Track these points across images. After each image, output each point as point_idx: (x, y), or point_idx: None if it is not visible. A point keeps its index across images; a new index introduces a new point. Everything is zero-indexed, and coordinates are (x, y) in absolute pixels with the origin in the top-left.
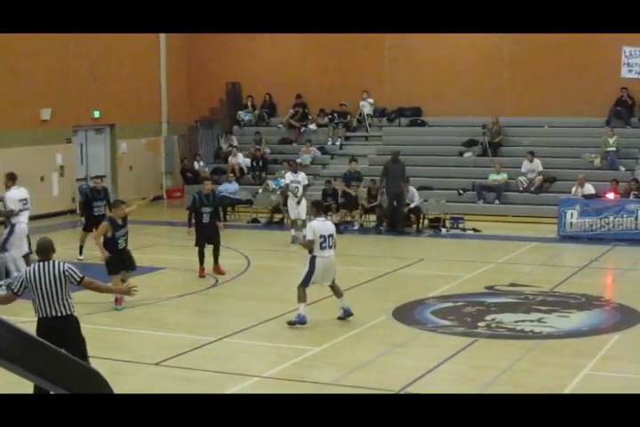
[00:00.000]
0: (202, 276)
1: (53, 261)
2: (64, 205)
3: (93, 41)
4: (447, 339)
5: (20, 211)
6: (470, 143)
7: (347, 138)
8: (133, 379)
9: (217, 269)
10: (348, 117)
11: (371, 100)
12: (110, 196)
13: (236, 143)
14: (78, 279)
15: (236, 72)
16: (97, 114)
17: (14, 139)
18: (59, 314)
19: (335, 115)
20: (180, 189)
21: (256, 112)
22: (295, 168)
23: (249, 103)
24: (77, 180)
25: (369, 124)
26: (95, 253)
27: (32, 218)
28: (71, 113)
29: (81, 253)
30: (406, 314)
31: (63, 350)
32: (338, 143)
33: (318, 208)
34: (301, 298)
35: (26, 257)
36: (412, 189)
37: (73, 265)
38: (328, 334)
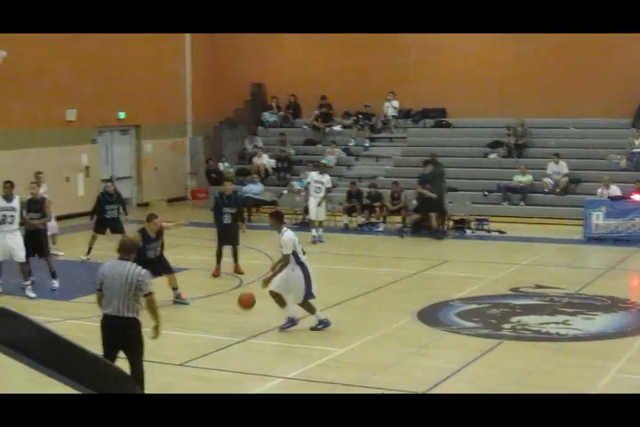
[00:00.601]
0: (216, 275)
1: (131, 263)
2: (89, 205)
3: (119, 42)
4: (472, 341)
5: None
6: (495, 144)
7: (371, 139)
8: (157, 379)
9: (237, 269)
10: (373, 119)
11: (396, 102)
12: (123, 198)
13: (260, 144)
14: (147, 291)
15: (260, 73)
16: (122, 115)
17: (40, 139)
18: (118, 314)
19: (360, 116)
20: (205, 189)
21: (281, 113)
22: (322, 169)
23: (273, 104)
24: (102, 180)
25: (393, 126)
26: (107, 253)
27: (57, 218)
28: (96, 114)
29: (89, 253)
30: (431, 316)
31: (92, 350)
32: (364, 144)
33: (280, 219)
34: (312, 309)
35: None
36: None
37: (146, 274)
38: (352, 335)
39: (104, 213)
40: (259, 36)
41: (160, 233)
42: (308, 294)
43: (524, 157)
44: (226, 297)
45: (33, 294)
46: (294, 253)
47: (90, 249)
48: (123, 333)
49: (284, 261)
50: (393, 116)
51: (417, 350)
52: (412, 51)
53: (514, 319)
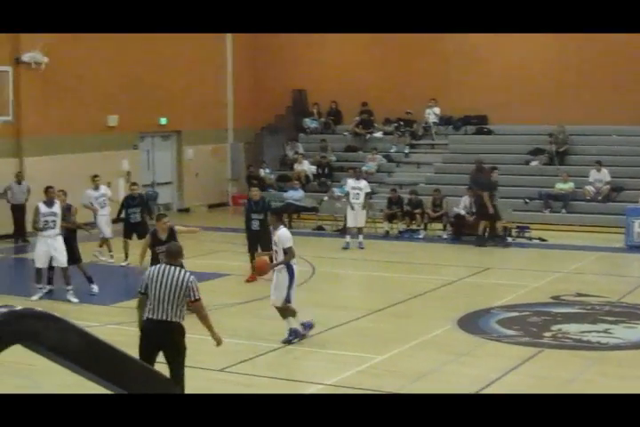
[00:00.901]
0: (249, 281)
1: (180, 269)
2: None
3: (160, 48)
4: (512, 349)
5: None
6: (536, 152)
7: (412, 146)
8: (196, 384)
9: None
10: (414, 125)
11: (437, 109)
12: (148, 202)
13: (301, 150)
14: (196, 297)
15: (302, 79)
16: (163, 120)
17: (82, 144)
18: (166, 318)
19: (401, 123)
20: (246, 195)
21: (322, 119)
22: (358, 175)
23: (315, 110)
24: (144, 186)
25: (435, 133)
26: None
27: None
28: (138, 119)
29: (126, 258)
30: (471, 323)
31: (132, 355)
32: (404, 151)
33: (279, 217)
34: (293, 312)
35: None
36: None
37: (194, 279)
38: (392, 342)
39: (127, 216)
40: (300, 41)
41: (172, 235)
42: (288, 298)
43: (566, 165)
44: (265, 303)
45: (75, 299)
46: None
47: (126, 255)
48: (167, 337)
49: (291, 254)
50: (434, 123)
51: (456, 358)
52: (454, 58)
53: (554, 328)
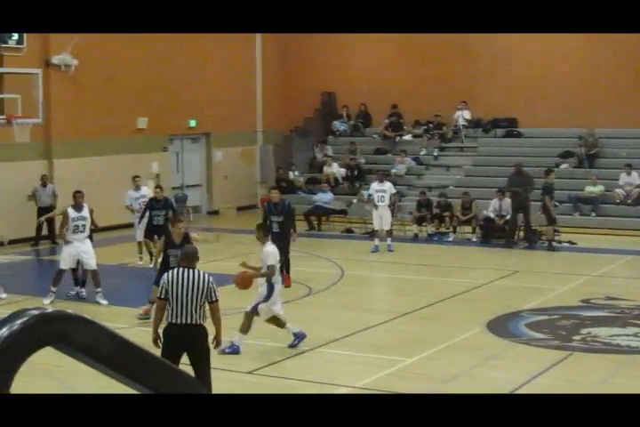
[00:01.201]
0: (286, 286)
1: (198, 270)
2: None
3: (189, 50)
4: (541, 352)
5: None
6: (566, 155)
7: (442, 149)
8: (224, 386)
9: (286, 280)
10: (444, 128)
11: (467, 113)
12: (173, 205)
13: (330, 153)
14: (214, 298)
15: (331, 82)
16: (193, 123)
17: (111, 147)
18: (191, 322)
19: (430, 125)
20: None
21: (351, 122)
22: (382, 178)
23: (344, 113)
24: (173, 188)
25: (464, 135)
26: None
27: (130, 225)
28: (167, 122)
29: (152, 259)
30: (500, 326)
31: (160, 357)
32: (434, 154)
33: (266, 232)
34: (246, 327)
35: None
36: (508, 200)
37: (214, 280)
38: (421, 344)
39: (151, 219)
40: (330, 44)
41: (186, 240)
42: (254, 308)
43: (596, 168)
44: (295, 306)
45: (104, 301)
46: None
47: (152, 256)
48: (193, 340)
49: (271, 272)
50: (463, 126)
51: (485, 361)
52: (483, 60)
53: (584, 331)
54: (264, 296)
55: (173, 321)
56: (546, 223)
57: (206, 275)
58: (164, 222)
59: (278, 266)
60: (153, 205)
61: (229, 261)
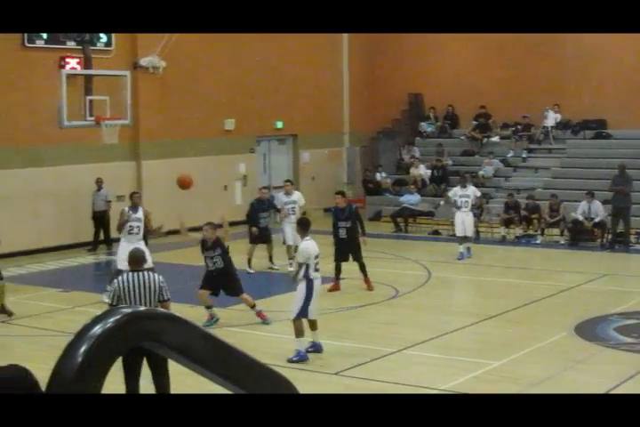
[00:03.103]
0: (332, 290)
1: (147, 272)
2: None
3: (275, 51)
4: (630, 357)
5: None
6: None
7: (530, 150)
8: (308, 387)
9: (366, 283)
10: (532, 129)
11: (557, 116)
12: (274, 203)
13: (417, 154)
14: (166, 297)
15: (418, 83)
16: (280, 124)
17: (199, 148)
18: None
19: (518, 127)
20: (361, 199)
21: (438, 123)
22: (464, 182)
23: (431, 114)
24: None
25: (553, 137)
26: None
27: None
28: (254, 123)
29: (250, 266)
30: (588, 330)
31: (251, 355)
32: (522, 156)
33: (305, 227)
34: (300, 332)
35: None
36: (597, 203)
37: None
38: (508, 348)
39: (257, 221)
40: (417, 45)
41: (216, 242)
42: (303, 312)
43: None
44: (381, 308)
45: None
46: (306, 267)
47: (249, 261)
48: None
49: (296, 270)
50: (552, 127)
51: (573, 365)
52: (571, 61)
53: None
54: (304, 293)
55: None
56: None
57: (156, 276)
58: (267, 225)
59: (313, 264)
60: (260, 207)
61: None
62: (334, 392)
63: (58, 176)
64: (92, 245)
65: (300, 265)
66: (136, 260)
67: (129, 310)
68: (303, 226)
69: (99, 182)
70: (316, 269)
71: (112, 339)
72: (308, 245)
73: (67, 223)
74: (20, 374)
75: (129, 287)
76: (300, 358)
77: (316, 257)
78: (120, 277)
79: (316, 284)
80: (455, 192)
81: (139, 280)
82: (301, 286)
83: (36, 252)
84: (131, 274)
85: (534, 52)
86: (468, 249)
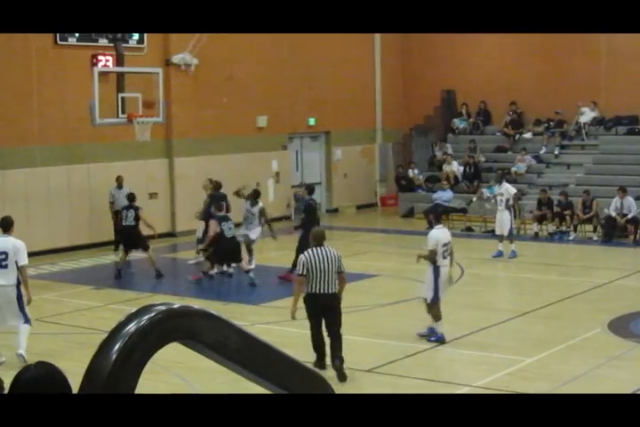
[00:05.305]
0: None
1: (328, 247)
2: (279, 210)
3: (308, 48)
4: None
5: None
6: None
7: (562, 146)
8: (345, 384)
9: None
10: (564, 125)
11: (592, 113)
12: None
13: (450, 151)
14: (343, 269)
15: (450, 79)
16: (312, 121)
17: (232, 145)
18: (330, 291)
19: (551, 123)
20: (394, 196)
21: (471, 120)
22: (500, 179)
23: (464, 111)
24: (292, 186)
25: (586, 133)
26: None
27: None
28: (287, 120)
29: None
30: (622, 327)
31: (287, 354)
32: (554, 152)
33: (437, 216)
34: (438, 316)
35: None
36: (630, 199)
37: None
38: (542, 344)
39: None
40: (449, 41)
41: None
42: (436, 297)
43: None
44: (415, 305)
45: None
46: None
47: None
48: (330, 306)
49: (429, 255)
50: (585, 124)
51: (607, 362)
52: (604, 57)
53: None
54: (432, 280)
55: (315, 291)
56: None
57: (335, 250)
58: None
59: (442, 251)
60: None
61: (349, 259)
62: (368, 389)
63: (91, 174)
64: (115, 245)
65: (430, 252)
66: (320, 237)
67: (163, 308)
68: (436, 215)
69: (119, 180)
70: (445, 257)
71: (146, 337)
72: (438, 233)
73: (99, 221)
74: (48, 372)
75: (316, 260)
76: (438, 339)
77: (445, 245)
78: (307, 252)
79: (443, 271)
80: (495, 190)
81: (323, 254)
82: (429, 273)
83: (70, 249)
84: (316, 249)
85: (567, 48)
86: (512, 251)
